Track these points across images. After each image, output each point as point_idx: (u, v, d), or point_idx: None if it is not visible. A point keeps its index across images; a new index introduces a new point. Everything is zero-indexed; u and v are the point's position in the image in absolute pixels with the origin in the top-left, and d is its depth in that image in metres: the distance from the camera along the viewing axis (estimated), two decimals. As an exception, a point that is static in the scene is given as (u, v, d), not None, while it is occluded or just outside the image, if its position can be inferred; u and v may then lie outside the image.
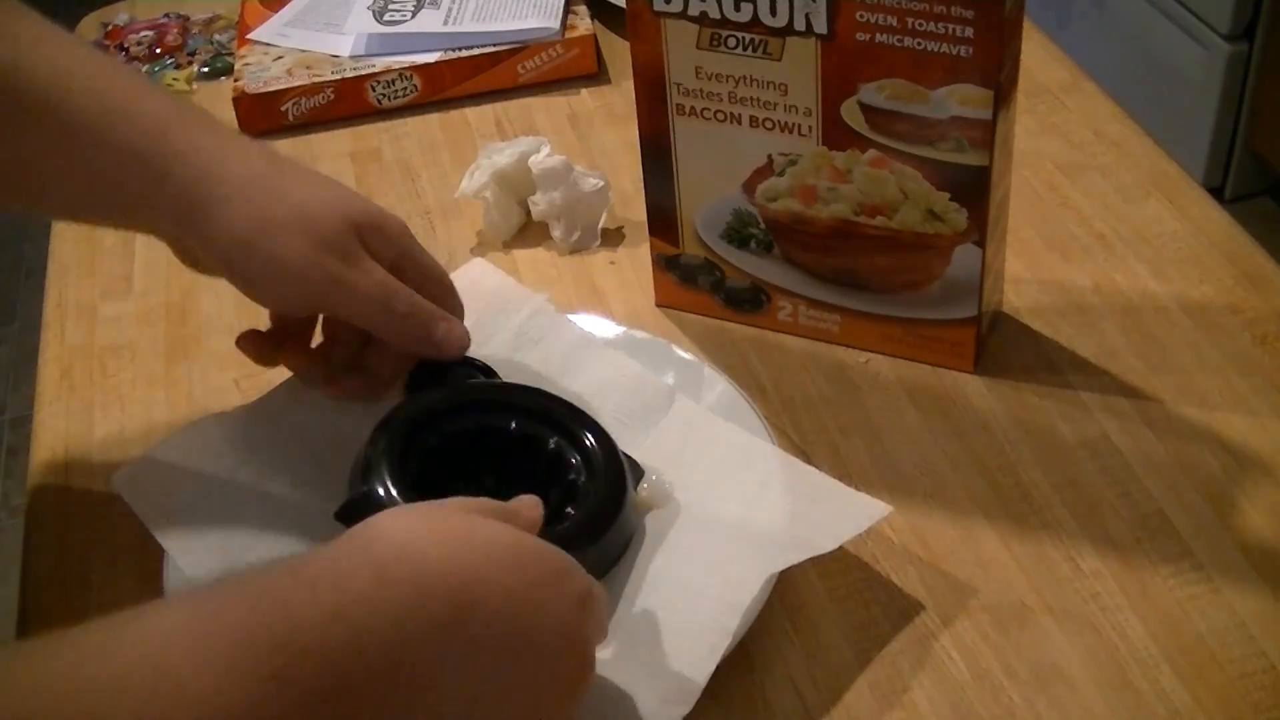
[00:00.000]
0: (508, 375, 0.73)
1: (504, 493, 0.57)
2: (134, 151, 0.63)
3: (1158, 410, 0.73)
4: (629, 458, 0.67)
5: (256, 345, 0.69)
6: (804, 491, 0.66)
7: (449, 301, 0.69)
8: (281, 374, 0.76)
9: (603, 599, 0.55)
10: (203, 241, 0.64)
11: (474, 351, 0.75)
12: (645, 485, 0.68)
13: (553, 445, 0.66)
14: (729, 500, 0.67)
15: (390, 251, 0.66)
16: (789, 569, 0.62)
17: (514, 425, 0.67)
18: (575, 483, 0.65)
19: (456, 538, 0.50)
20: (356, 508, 0.59)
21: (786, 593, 0.64)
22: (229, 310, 0.84)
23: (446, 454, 0.65)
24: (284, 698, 0.42)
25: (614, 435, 0.67)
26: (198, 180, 0.63)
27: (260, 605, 0.44)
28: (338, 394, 0.69)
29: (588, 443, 0.66)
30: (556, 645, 0.51)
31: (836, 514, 0.64)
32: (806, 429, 0.74)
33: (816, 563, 0.63)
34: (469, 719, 0.48)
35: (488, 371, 0.70)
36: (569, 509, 0.64)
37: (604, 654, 0.60)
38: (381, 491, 0.61)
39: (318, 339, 0.71)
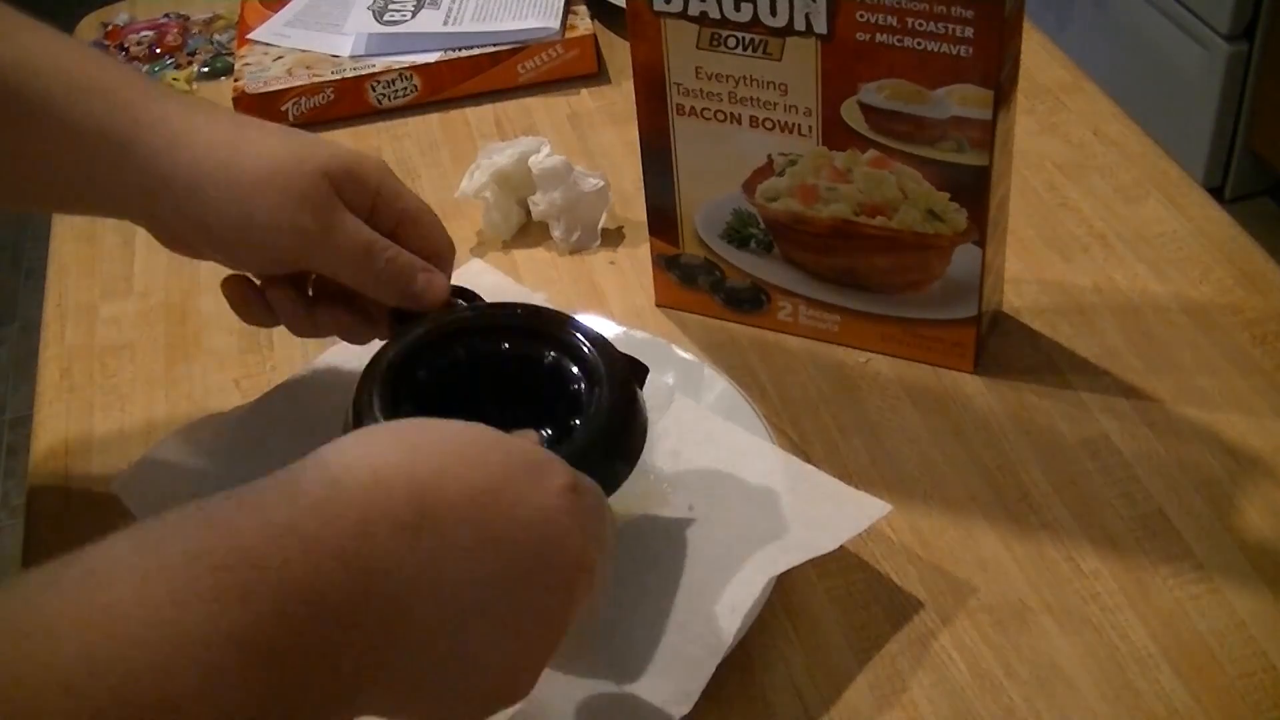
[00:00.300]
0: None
1: (509, 416, 0.55)
2: (100, 127, 0.62)
3: (1158, 410, 0.73)
4: (631, 357, 0.64)
5: (240, 288, 0.67)
6: (804, 491, 0.66)
7: (433, 241, 0.67)
8: (280, 375, 0.76)
9: (600, 495, 0.52)
10: (175, 210, 0.63)
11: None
12: (646, 484, 0.68)
13: (549, 359, 0.64)
14: (729, 500, 0.67)
15: (367, 197, 0.65)
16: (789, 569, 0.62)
17: (506, 346, 0.65)
18: (579, 393, 0.62)
19: (412, 438, 0.48)
20: None
21: (786, 593, 0.64)
22: (229, 310, 0.84)
23: (441, 388, 0.62)
24: (237, 618, 0.40)
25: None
26: (166, 149, 0.62)
27: (202, 531, 0.42)
28: (327, 334, 0.68)
29: (584, 350, 0.63)
30: (540, 544, 0.47)
31: (836, 513, 0.64)
32: (806, 429, 0.74)
33: (816, 563, 0.63)
34: (462, 634, 0.45)
35: (471, 297, 0.68)
36: (576, 420, 0.61)
37: (604, 653, 0.60)
38: None
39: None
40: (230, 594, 0.40)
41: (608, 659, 0.60)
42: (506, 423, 0.52)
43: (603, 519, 0.52)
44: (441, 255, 0.67)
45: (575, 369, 0.63)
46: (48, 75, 0.62)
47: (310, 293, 0.68)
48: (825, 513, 0.64)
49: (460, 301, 0.67)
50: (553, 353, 0.64)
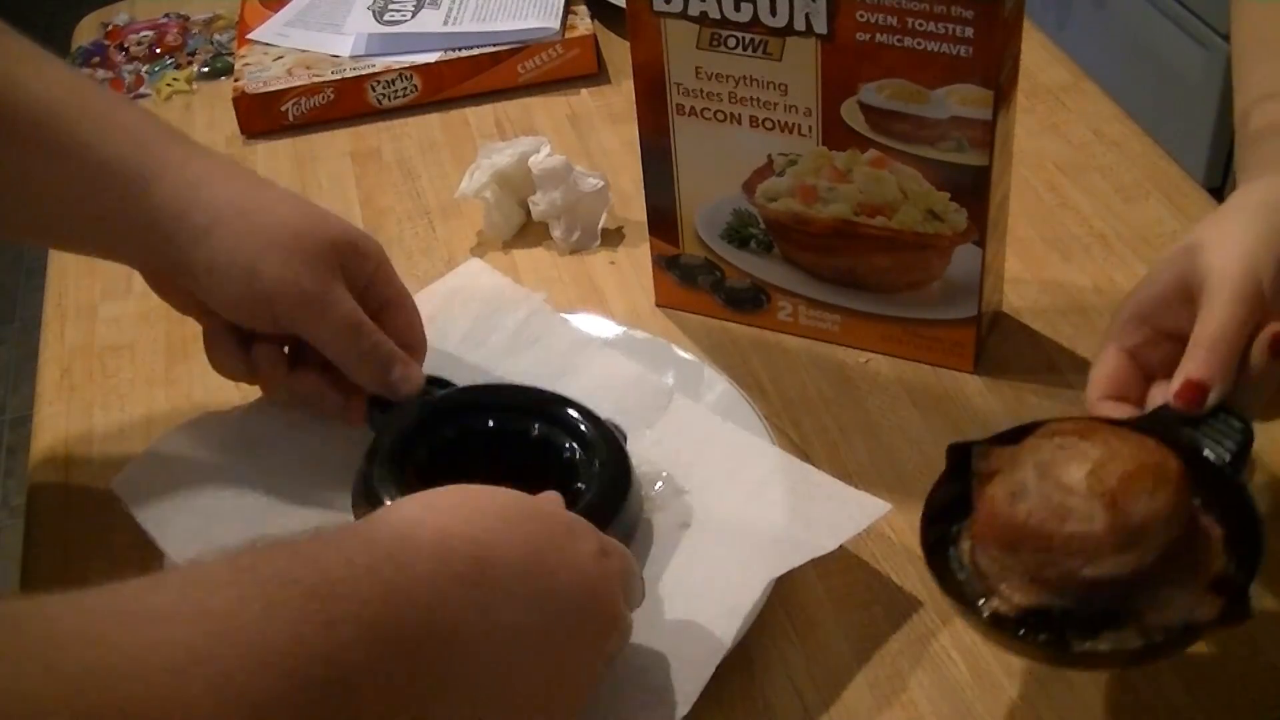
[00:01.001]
0: (505, 376, 0.73)
1: (508, 484, 0.57)
2: (116, 166, 0.63)
3: (1158, 410, 0.73)
4: (612, 423, 0.68)
5: (224, 338, 0.68)
6: (804, 491, 0.66)
7: (410, 332, 0.69)
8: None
9: (626, 554, 0.57)
10: (183, 250, 0.64)
11: (472, 352, 0.75)
12: (657, 486, 0.68)
13: (537, 431, 0.67)
14: (729, 500, 0.67)
15: (365, 274, 0.67)
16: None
17: (492, 423, 0.68)
18: (572, 460, 0.66)
19: (468, 505, 0.53)
20: None
21: (786, 593, 0.64)
22: (229, 310, 0.84)
23: (440, 463, 0.65)
24: (321, 642, 0.43)
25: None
26: (187, 187, 0.63)
27: (294, 561, 0.46)
28: (298, 402, 0.69)
29: (571, 419, 0.67)
30: (578, 599, 0.52)
31: (836, 513, 0.64)
32: (806, 429, 0.74)
33: (816, 563, 0.63)
34: (511, 677, 0.50)
35: (443, 384, 0.70)
36: (579, 486, 0.65)
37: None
38: None
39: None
40: (316, 620, 0.44)
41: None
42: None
43: (630, 576, 0.56)
44: (416, 347, 0.69)
45: (564, 438, 0.67)
46: (67, 110, 0.64)
47: (288, 355, 0.69)
48: (825, 512, 0.65)
49: (435, 390, 0.70)
50: (538, 425, 0.67)
